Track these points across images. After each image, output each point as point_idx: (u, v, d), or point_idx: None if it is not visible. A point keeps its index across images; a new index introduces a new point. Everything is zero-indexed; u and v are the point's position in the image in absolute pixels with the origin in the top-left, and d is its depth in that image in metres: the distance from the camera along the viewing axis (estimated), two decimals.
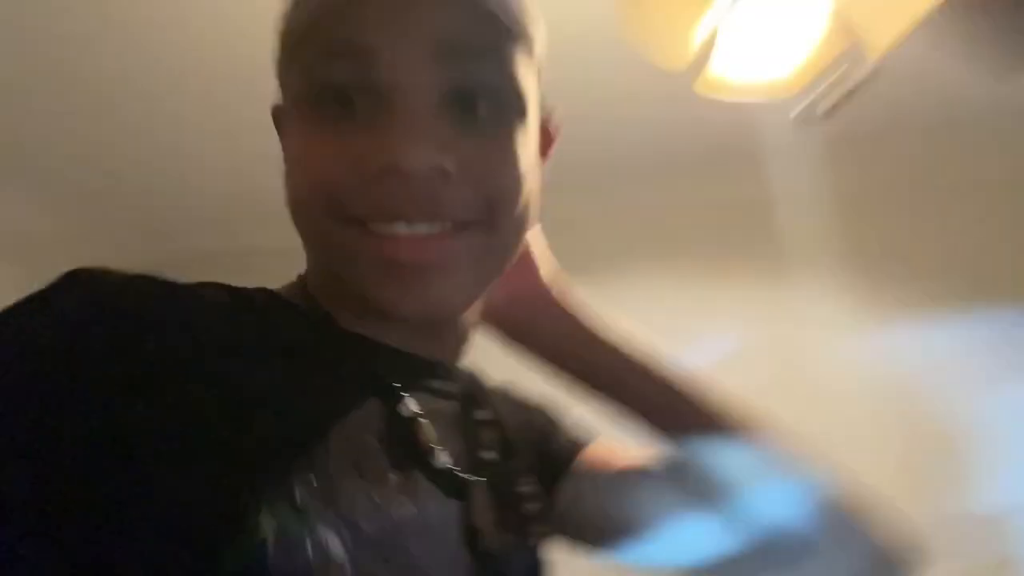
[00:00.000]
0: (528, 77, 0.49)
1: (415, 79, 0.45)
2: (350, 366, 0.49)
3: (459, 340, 0.57)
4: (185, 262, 3.12)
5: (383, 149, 0.44)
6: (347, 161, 0.45)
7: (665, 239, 2.52)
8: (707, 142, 2.25)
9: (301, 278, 0.55)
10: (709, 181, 2.43)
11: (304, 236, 0.50)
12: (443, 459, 0.49)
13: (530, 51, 0.49)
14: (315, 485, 0.40)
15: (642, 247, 2.51)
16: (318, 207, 0.47)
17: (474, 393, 0.59)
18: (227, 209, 2.87)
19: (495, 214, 0.47)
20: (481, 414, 0.57)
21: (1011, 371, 2.15)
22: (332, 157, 0.46)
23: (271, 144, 0.55)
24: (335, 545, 0.39)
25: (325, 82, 0.46)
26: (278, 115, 0.54)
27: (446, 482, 0.49)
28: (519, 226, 0.50)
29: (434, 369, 0.54)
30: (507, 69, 0.47)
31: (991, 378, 2.16)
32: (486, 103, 0.47)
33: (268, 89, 0.55)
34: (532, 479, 0.60)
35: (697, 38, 1.18)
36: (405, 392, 0.49)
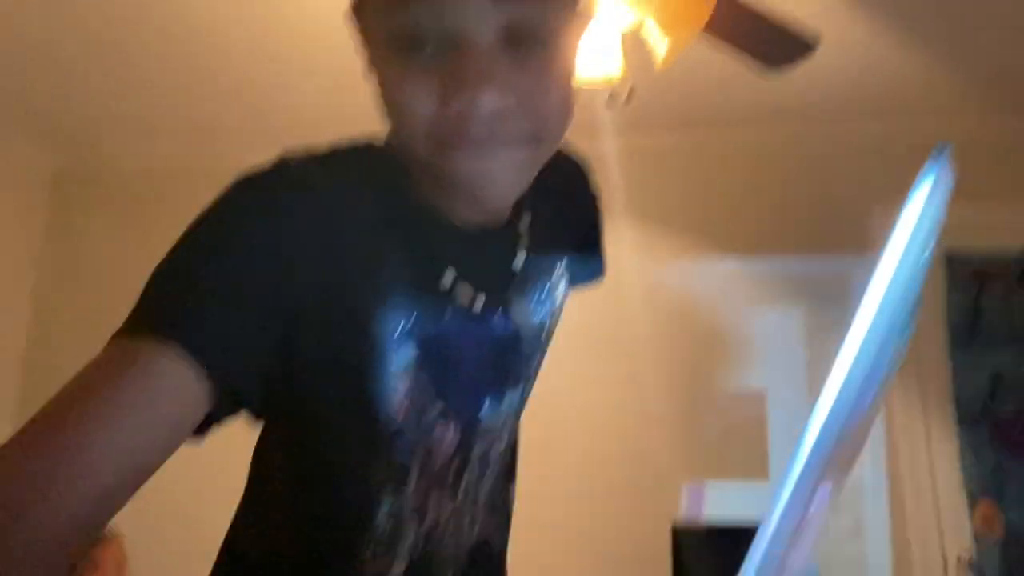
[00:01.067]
0: (566, 10, 0.60)
1: (477, 24, 0.55)
2: (440, 260, 0.66)
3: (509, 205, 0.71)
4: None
5: (458, 92, 0.56)
6: (432, 103, 0.58)
7: None
8: None
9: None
10: None
11: (401, 143, 0.64)
12: (477, 304, 0.68)
13: None
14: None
15: None
16: (413, 140, 0.61)
17: (520, 216, 0.73)
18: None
19: (543, 135, 0.63)
20: (520, 240, 0.73)
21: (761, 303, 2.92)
22: (419, 98, 0.58)
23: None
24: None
25: (406, 30, 0.57)
26: (361, 30, 0.64)
27: (482, 317, 0.69)
28: (559, 137, 0.65)
29: (485, 233, 0.69)
30: (549, 11, 0.58)
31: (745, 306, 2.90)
32: (535, 41, 0.58)
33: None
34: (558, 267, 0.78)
35: None
36: (447, 267, 0.66)
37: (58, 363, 3.43)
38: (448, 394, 0.68)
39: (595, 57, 1.67)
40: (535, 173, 0.66)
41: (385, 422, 0.65)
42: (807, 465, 0.41)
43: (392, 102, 0.61)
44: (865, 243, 2.72)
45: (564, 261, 0.80)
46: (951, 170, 0.43)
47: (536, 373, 0.80)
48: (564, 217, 0.81)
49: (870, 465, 2.78)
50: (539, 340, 0.78)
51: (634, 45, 1.85)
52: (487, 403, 0.72)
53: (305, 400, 0.65)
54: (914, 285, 0.45)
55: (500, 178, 0.61)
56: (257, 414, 0.62)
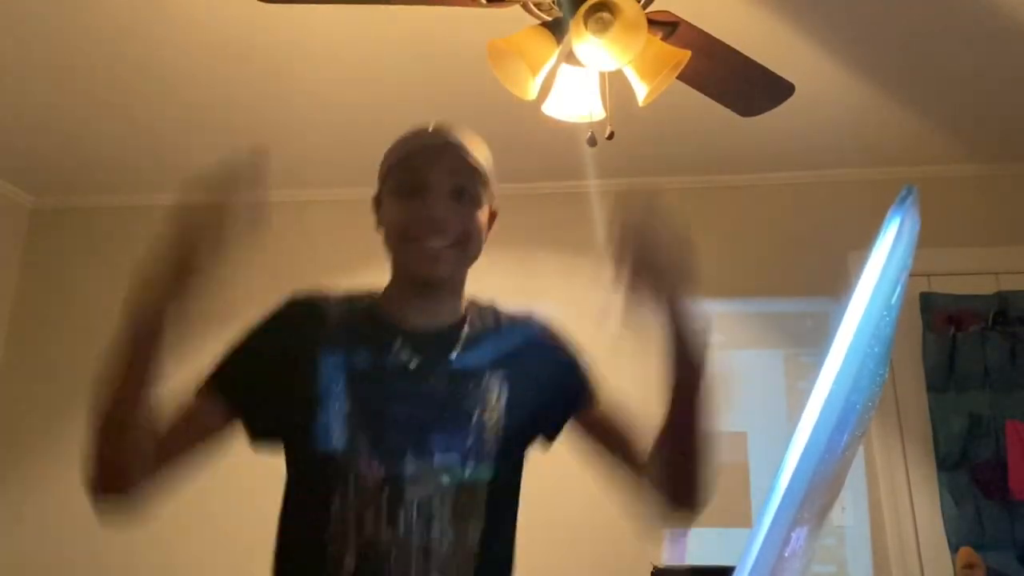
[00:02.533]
0: (485, 190, 1.11)
1: (442, 182, 1.08)
2: (388, 340, 1.08)
3: (452, 302, 1.14)
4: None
5: (427, 209, 1.06)
6: (413, 216, 1.07)
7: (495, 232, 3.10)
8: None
9: (387, 290, 1.14)
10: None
11: (392, 254, 1.12)
12: (413, 363, 1.07)
13: (487, 180, 1.11)
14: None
15: None
16: (398, 237, 1.10)
17: (463, 326, 1.13)
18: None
19: (465, 245, 1.09)
20: (463, 333, 1.12)
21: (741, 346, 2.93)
22: (406, 214, 1.08)
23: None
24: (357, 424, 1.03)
25: (404, 185, 1.09)
26: (376, 202, 1.15)
27: (418, 373, 1.06)
28: (476, 249, 1.12)
29: (436, 332, 1.11)
30: (476, 185, 1.10)
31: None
32: (467, 196, 1.09)
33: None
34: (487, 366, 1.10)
35: (539, 80, 1.64)
36: (398, 337, 1.08)
37: (29, 391, 3.36)
38: (373, 431, 1.01)
39: (577, 98, 1.70)
40: (462, 271, 1.13)
41: (323, 446, 1.02)
42: (780, 508, 0.40)
43: (392, 222, 1.10)
44: (845, 286, 2.74)
45: (499, 373, 1.09)
46: (917, 212, 0.44)
47: (496, 456, 1.05)
48: (506, 347, 1.13)
49: (852, 511, 2.77)
50: (469, 422, 1.04)
51: (616, 86, 1.89)
52: (409, 452, 1.01)
53: (289, 430, 1.08)
54: (885, 325, 0.45)
55: (439, 258, 1.07)
56: (263, 436, 1.13)
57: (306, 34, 2.32)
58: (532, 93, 1.63)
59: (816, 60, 2.39)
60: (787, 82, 1.91)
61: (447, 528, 0.99)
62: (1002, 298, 2.86)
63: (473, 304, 1.16)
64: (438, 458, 1.01)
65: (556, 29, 1.62)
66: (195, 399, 1.07)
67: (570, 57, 1.67)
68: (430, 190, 1.06)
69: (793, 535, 0.42)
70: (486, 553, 1.03)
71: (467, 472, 1.02)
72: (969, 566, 2.45)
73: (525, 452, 1.14)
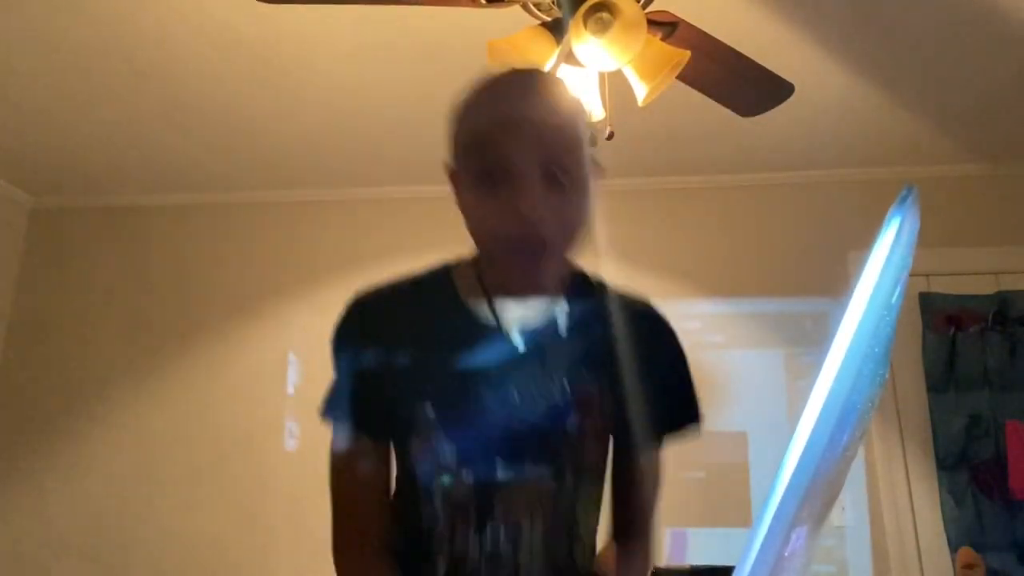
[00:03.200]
0: (585, 158, 0.88)
1: (531, 167, 0.84)
2: (475, 328, 0.93)
3: (554, 283, 0.94)
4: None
5: (513, 207, 0.84)
6: (496, 216, 0.85)
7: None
8: None
9: (472, 262, 0.97)
10: None
11: (479, 248, 0.92)
12: (504, 357, 0.91)
13: (585, 142, 0.89)
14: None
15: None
16: (485, 247, 0.90)
17: (564, 306, 0.96)
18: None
19: (568, 244, 0.89)
20: (556, 318, 0.95)
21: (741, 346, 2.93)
22: (488, 214, 0.86)
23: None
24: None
25: (483, 170, 0.86)
26: (453, 179, 0.93)
27: (511, 367, 0.91)
28: (577, 244, 0.91)
29: (530, 313, 0.94)
30: (574, 160, 0.86)
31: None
32: (567, 178, 0.85)
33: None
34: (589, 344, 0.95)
35: None
36: (487, 335, 0.92)
37: (29, 391, 3.37)
38: (460, 442, 0.89)
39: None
40: (563, 274, 0.94)
41: (413, 454, 0.91)
42: (780, 508, 0.40)
43: (475, 220, 0.89)
44: (845, 286, 2.75)
45: (605, 369, 0.94)
46: (917, 212, 0.44)
47: (596, 468, 0.95)
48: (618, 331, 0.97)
49: (852, 511, 2.77)
50: (565, 426, 0.91)
51: (616, 86, 1.89)
52: (499, 463, 0.89)
53: (391, 432, 0.94)
54: (885, 325, 0.45)
55: (533, 273, 0.89)
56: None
57: (306, 34, 2.32)
58: None
59: (816, 60, 2.39)
60: (787, 82, 1.91)
61: (537, 548, 0.90)
62: (1002, 298, 2.86)
63: (579, 277, 0.99)
64: (530, 468, 0.89)
65: (556, 29, 1.62)
66: (357, 456, 0.93)
67: (570, 57, 1.67)
68: (516, 180, 0.84)
69: (793, 535, 0.42)
70: (576, 564, 0.94)
71: (563, 484, 0.91)
72: (969, 566, 2.45)
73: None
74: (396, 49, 2.38)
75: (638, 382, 0.94)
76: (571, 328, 0.94)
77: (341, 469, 0.93)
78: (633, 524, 1.01)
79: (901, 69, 2.46)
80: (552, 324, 0.93)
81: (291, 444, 3.00)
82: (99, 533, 3.06)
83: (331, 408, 0.94)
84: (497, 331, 0.91)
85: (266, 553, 2.96)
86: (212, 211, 3.42)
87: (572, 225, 0.88)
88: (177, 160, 3.14)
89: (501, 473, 0.88)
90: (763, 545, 0.40)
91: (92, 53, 2.41)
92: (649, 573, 1.00)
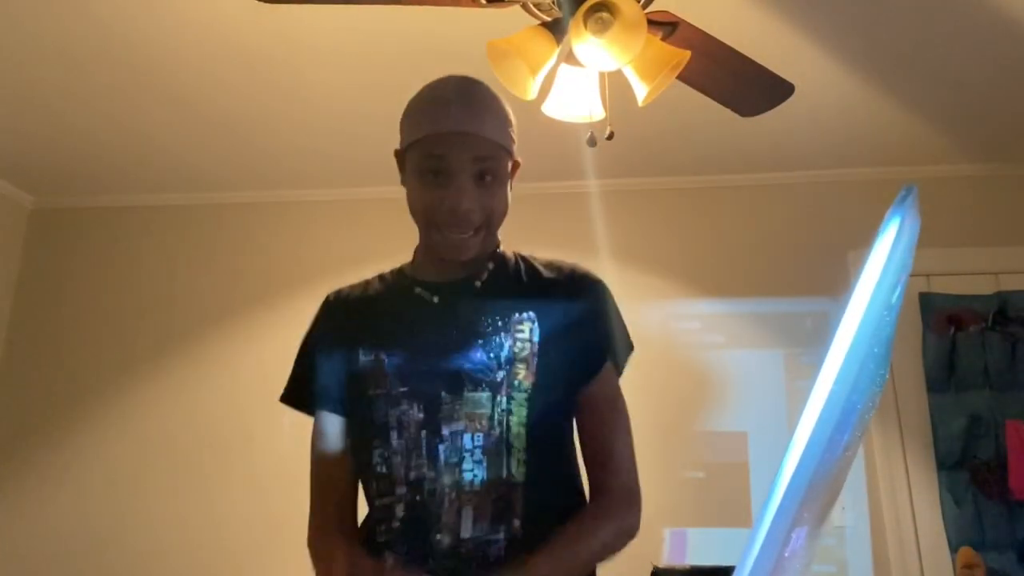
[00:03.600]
0: (509, 158, 1.13)
1: (464, 168, 1.07)
2: (407, 290, 1.15)
3: (475, 262, 1.15)
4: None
5: (450, 200, 1.07)
6: (437, 205, 1.08)
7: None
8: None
9: (415, 254, 1.20)
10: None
11: (421, 232, 1.14)
12: (436, 298, 1.13)
13: (510, 148, 1.13)
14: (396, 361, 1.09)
15: None
16: (424, 223, 1.11)
17: (488, 268, 1.16)
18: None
19: (489, 226, 1.12)
20: (487, 267, 1.16)
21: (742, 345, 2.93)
22: (430, 201, 1.08)
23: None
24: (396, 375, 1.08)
25: (427, 167, 1.08)
26: (400, 161, 1.15)
27: (442, 309, 1.12)
28: (502, 217, 1.14)
29: (461, 279, 1.14)
30: (500, 162, 1.10)
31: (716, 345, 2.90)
32: (491, 177, 1.09)
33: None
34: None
35: (539, 80, 1.64)
36: (424, 288, 1.14)
37: (29, 391, 3.37)
38: (408, 381, 1.07)
39: (577, 98, 1.70)
40: (490, 243, 1.16)
41: (368, 396, 1.08)
42: (780, 508, 0.40)
43: (417, 203, 1.11)
44: (845, 286, 2.75)
45: (530, 312, 1.11)
46: (917, 211, 0.44)
47: (532, 390, 1.07)
48: (539, 289, 1.16)
49: (852, 511, 2.77)
50: (497, 359, 1.07)
51: (616, 86, 1.89)
52: (443, 392, 1.05)
53: (347, 396, 1.13)
54: (885, 326, 0.45)
55: (464, 245, 1.10)
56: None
57: (306, 35, 2.32)
58: (532, 93, 1.63)
59: (816, 60, 2.38)
60: (787, 82, 1.91)
61: (479, 464, 1.02)
62: (1002, 298, 2.86)
63: (504, 252, 1.20)
64: (468, 393, 1.05)
65: (556, 29, 1.62)
66: (335, 440, 1.13)
67: (570, 57, 1.67)
68: (453, 178, 1.06)
69: (793, 535, 0.42)
70: (531, 489, 1.04)
71: (499, 406, 1.05)
72: (969, 566, 2.45)
73: (571, 395, 1.12)
74: (395, 49, 2.38)
75: (551, 328, 1.11)
76: (485, 287, 1.14)
77: (312, 445, 1.14)
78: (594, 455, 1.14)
79: (901, 69, 2.46)
80: (470, 285, 1.14)
81: (290, 444, 3.00)
82: (99, 533, 3.06)
83: (287, 390, 1.20)
84: (428, 295, 1.13)
85: (267, 553, 2.96)
86: (212, 211, 3.42)
87: (494, 212, 1.11)
88: (176, 160, 3.14)
89: (444, 395, 1.05)
90: (763, 545, 0.40)
91: (92, 54, 2.41)
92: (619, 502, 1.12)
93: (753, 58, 1.83)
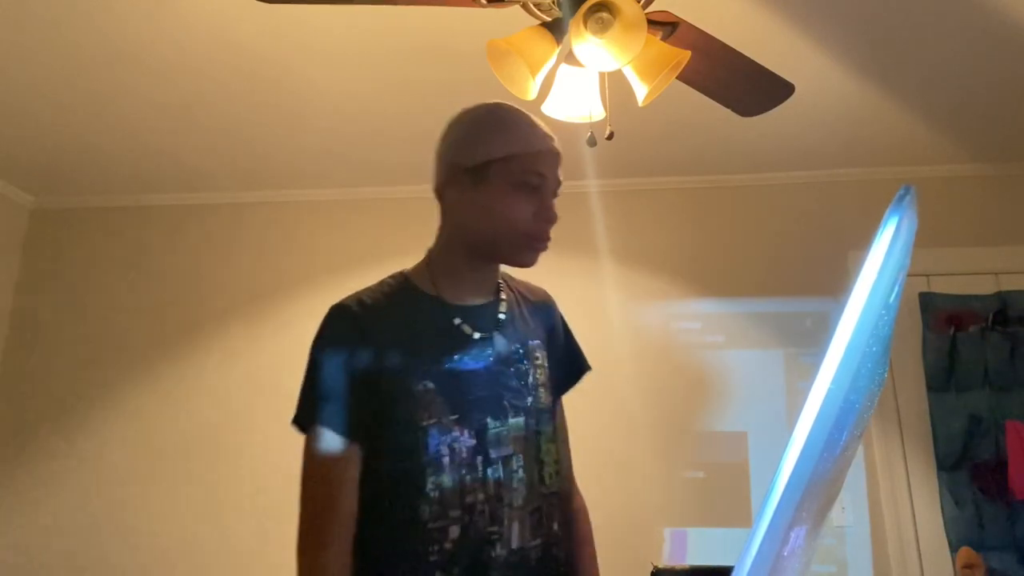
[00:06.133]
0: None
1: (554, 187, 1.18)
2: (443, 318, 1.17)
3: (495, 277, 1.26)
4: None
5: (549, 213, 1.17)
6: (534, 217, 1.16)
7: None
8: None
9: (425, 264, 1.23)
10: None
11: (481, 237, 1.18)
12: (476, 333, 1.17)
13: None
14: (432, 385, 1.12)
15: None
16: (509, 233, 1.16)
17: (499, 294, 1.24)
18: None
19: None
20: (502, 297, 1.24)
21: (742, 345, 2.93)
22: (526, 214, 1.15)
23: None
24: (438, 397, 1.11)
25: (526, 181, 1.15)
26: (468, 174, 1.17)
27: (480, 341, 1.17)
28: None
29: (483, 304, 1.21)
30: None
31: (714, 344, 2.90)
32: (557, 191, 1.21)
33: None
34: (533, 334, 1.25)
35: (539, 80, 1.64)
36: (462, 319, 1.18)
37: (29, 391, 3.37)
38: (458, 409, 1.11)
39: (577, 98, 1.70)
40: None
41: (420, 426, 1.09)
42: (779, 507, 0.40)
43: (510, 213, 1.15)
44: (844, 286, 2.75)
45: (538, 340, 1.24)
46: (915, 212, 0.44)
47: (550, 408, 1.22)
48: (533, 314, 1.29)
49: (852, 511, 2.77)
50: (526, 386, 1.18)
51: (616, 86, 1.89)
52: (489, 419, 1.13)
53: (380, 422, 1.10)
54: (883, 325, 0.45)
55: (539, 255, 1.20)
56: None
57: (306, 35, 2.32)
58: (532, 93, 1.62)
59: (816, 60, 2.39)
60: (787, 82, 1.91)
61: (522, 479, 1.14)
62: (1002, 298, 2.86)
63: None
64: (511, 419, 1.15)
65: (556, 29, 1.62)
66: (338, 460, 1.10)
67: (570, 57, 1.67)
68: (547, 194, 1.17)
69: (792, 534, 0.42)
70: (556, 496, 1.19)
71: (531, 428, 1.17)
72: (969, 566, 2.45)
73: (560, 405, 1.30)
74: (395, 49, 2.38)
75: (549, 347, 1.26)
76: (508, 318, 1.22)
77: (323, 471, 1.10)
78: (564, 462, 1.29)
79: (901, 69, 2.46)
80: (495, 315, 1.21)
81: (290, 443, 3.00)
82: (99, 532, 3.06)
83: (314, 413, 1.11)
84: (458, 318, 1.17)
85: (267, 553, 2.96)
86: (211, 211, 3.42)
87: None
88: (176, 160, 3.14)
89: (490, 422, 1.13)
90: (762, 544, 0.40)
91: (92, 54, 2.42)
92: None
93: (753, 58, 1.83)
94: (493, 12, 1.75)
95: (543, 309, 1.30)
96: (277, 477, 3.01)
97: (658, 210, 3.22)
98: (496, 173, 1.15)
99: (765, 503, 0.41)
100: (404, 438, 1.09)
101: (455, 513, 1.08)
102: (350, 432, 1.09)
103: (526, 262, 1.19)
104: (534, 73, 1.58)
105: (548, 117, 1.81)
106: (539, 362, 1.21)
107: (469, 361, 1.14)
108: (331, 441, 1.09)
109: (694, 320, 3.04)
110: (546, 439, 1.19)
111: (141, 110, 2.75)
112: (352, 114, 2.75)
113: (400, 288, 1.19)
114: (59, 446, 3.19)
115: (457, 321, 1.16)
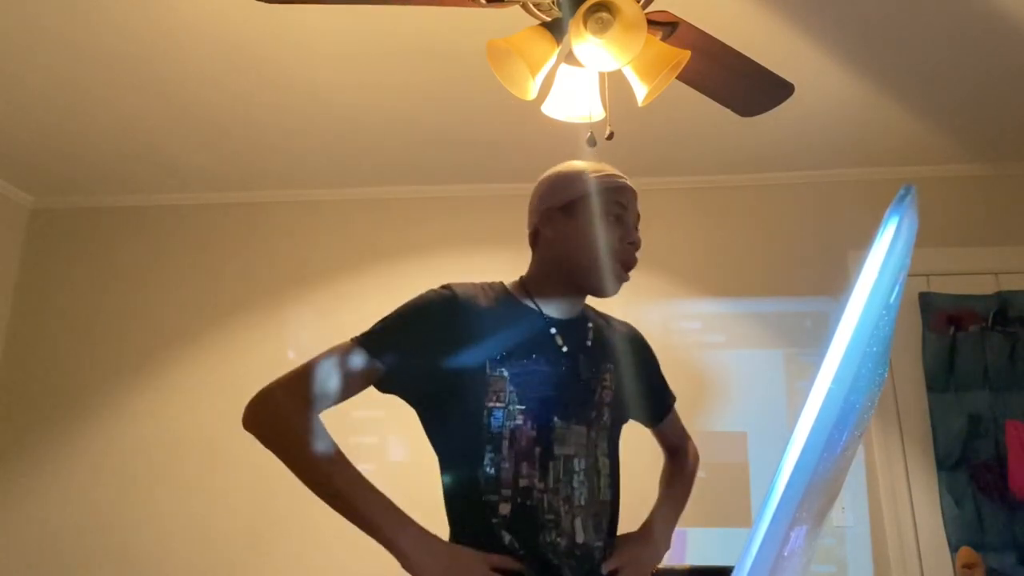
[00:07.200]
0: None
1: (635, 219, 1.37)
2: (540, 325, 1.32)
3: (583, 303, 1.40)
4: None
5: (634, 238, 1.34)
6: (621, 243, 1.31)
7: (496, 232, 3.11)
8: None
9: (522, 281, 1.38)
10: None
11: (583, 273, 1.32)
12: (565, 347, 1.31)
13: None
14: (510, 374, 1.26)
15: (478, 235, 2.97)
16: (599, 259, 1.30)
17: (588, 320, 1.38)
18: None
19: None
20: (589, 326, 1.37)
21: (742, 345, 2.93)
22: (614, 241, 1.31)
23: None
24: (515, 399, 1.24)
25: (612, 211, 1.31)
26: (553, 215, 1.34)
27: (567, 354, 1.31)
28: None
29: (574, 319, 1.36)
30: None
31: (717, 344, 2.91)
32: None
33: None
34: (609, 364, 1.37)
35: (539, 80, 1.64)
36: (556, 329, 1.32)
37: (29, 391, 3.37)
38: (525, 400, 1.23)
39: (577, 98, 1.70)
40: None
41: (485, 404, 1.22)
42: (779, 507, 0.40)
43: (601, 241, 1.30)
44: (845, 286, 2.75)
45: (611, 364, 1.36)
46: (915, 211, 0.44)
47: (609, 427, 1.33)
48: (617, 343, 1.43)
49: (852, 511, 2.77)
50: (591, 401, 1.30)
51: (616, 86, 1.89)
52: (556, 417, 1.24)
53: (448, 394, 1.24)
54: (884, 325, 0.45)
55: (623, 282, 1.35)
56: (410, 401, 1.29)
57: (306, 35, 2.32)
58: (531, 93, 1.62)
59: (816, 60, 2.39)
60: (787, 82, 1.91)
61: (583, 482, 1.25)
62: (1002, 298, 2.86)
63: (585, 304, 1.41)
64: (574, 425, 1.26)
65: (556, 29, 1.62)
66: (355, 368, 1.21)
67: (570, 57, 1.67)
68: (631, 222, 1.34)
69: (792, 534, 0.42)
70: (609, 505, 1.30)
71: (591, 439, 1.28)
72: (969, 566, 2.45)
73: (620, 430, 1.40)
74: (396, 49, 2.38)
75: (635, 374, 1.41)
76: (594, 342, 1.35)
77: (334, 360, 1.20)
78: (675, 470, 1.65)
79: (900, 69, 2.46)
80: (584, 336, 1.35)
81: None
82: (98, 532, 3.06)
83: (362, 336, 1.23)
84: (547, 326, 1.31)
85: (267, 553, 2.96)
86: (211, 211, 3.42)
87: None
88: (177, 160, 3.14)
89: (556, 421, 1.24)
90: (762, 544, 0.40)
91: (92, 54, 2.42)
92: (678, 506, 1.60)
93: (753, 58, 1.83)
94: (493, 12, 1.75)
95: (633, 342, 1.46)
96: (278, 476, 3.01)
97: (658, 210, 3.21)
98: (584, 207, 1.30)
99: (765, 503, 0.41)
100: (471, 411, 1.21)
101: (506, 492, 1.19)
102: (391, 363, 1.21)
103: (610, 291, 1.31)
104: (534, 73, 1.58)
105: (548, 117, 1.82)
106: (607, 384, 1.33)
107: (547, 366, 1.26)
108: (358, 357, 1.21)
109: (694, 320, 3.04)
110: (602, 453, 1.30)
111: (141, 110, 2.75)
112: (352, 114, 2.75)
113: (502, 292, 1.34)
114: (58, 445, 3.19)
115: (553, 331, 1.30)
